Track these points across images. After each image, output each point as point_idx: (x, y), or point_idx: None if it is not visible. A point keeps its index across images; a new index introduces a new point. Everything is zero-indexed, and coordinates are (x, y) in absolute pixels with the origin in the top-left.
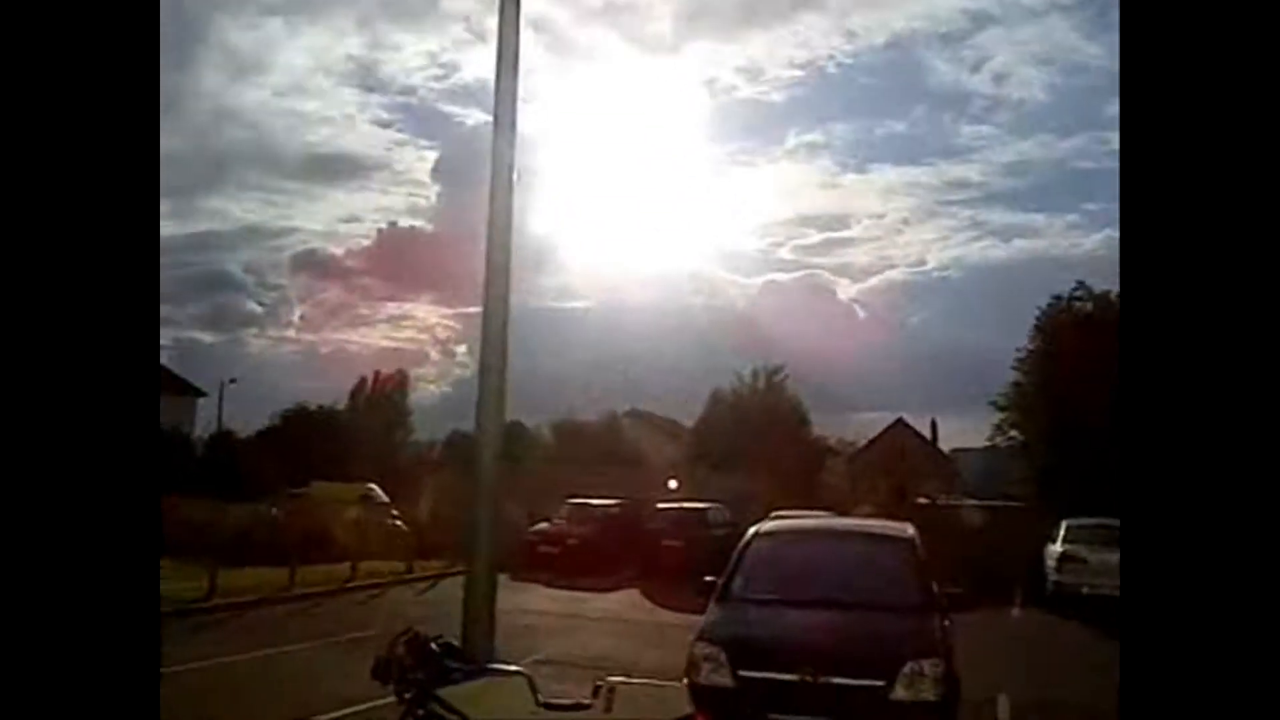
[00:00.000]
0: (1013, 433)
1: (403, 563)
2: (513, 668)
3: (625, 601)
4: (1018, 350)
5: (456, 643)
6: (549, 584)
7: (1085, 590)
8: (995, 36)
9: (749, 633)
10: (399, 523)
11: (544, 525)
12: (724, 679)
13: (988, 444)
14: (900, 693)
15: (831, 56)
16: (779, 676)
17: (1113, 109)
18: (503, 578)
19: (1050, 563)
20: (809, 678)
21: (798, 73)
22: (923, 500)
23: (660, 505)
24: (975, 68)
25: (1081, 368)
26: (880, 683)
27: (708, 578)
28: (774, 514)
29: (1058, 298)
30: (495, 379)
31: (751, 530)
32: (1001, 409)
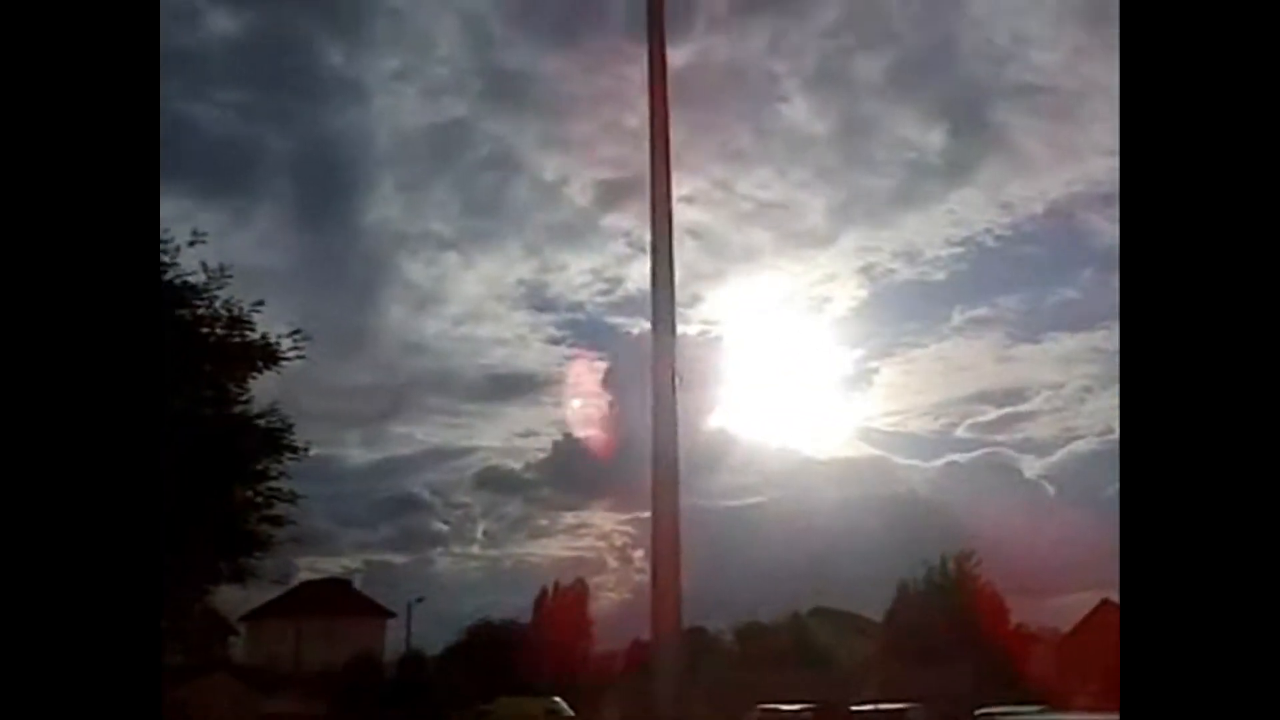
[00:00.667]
0: None
1: None
2: None
3: None
4: None
5: None
6: None
7: None
8: None
9: None
10: None
11: None
12: None
13: None
14: None
15: (989, 230)
16: None
17: None
18: None
19: None
20: None
21: (957, 249)
22: None
23: (854, 708)
24: None
25: None
26: None
27: None
28: (981, 711)
29: None
30: (668, 586)
31: None
32: None
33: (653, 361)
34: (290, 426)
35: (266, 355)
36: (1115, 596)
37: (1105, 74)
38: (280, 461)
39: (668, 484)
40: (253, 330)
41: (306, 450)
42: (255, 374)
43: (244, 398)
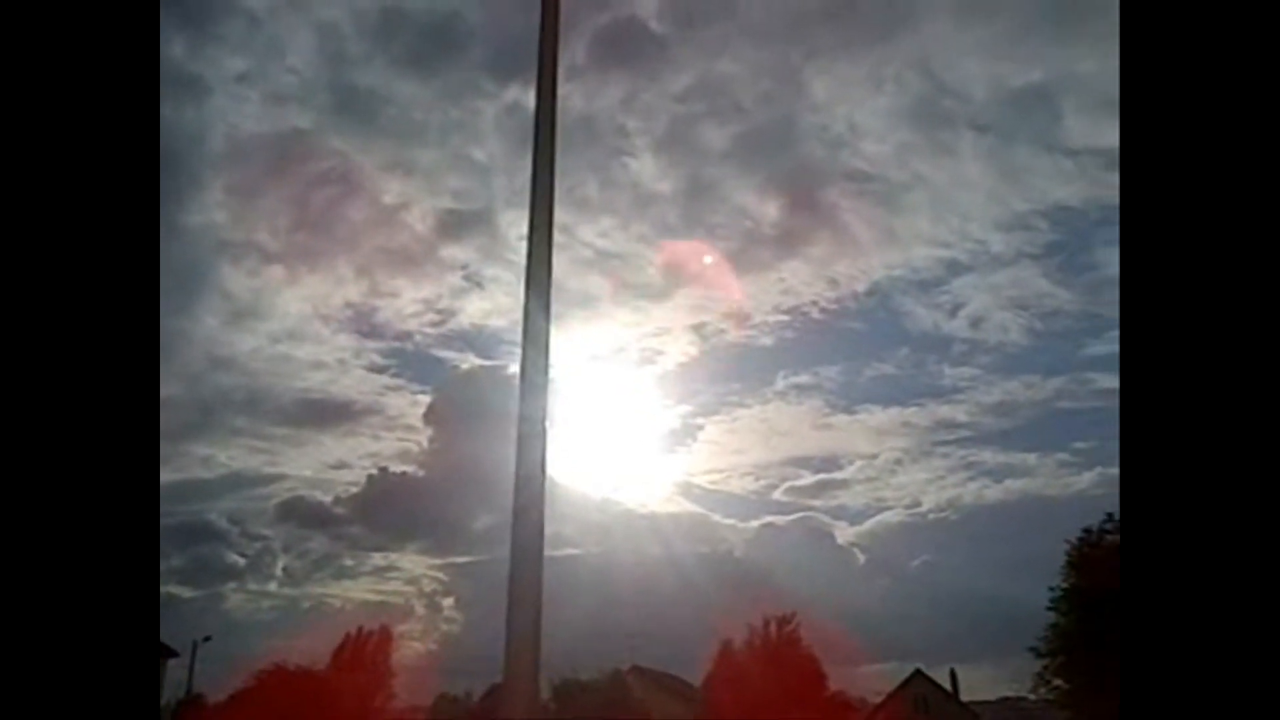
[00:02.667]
0: (1056, 681)
1: None
2: None
3: None
4: (1050, 589)
5: None
6: None
7: None
8: (969, 283)
9: None
10: None
11: None
12: None
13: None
14: None
15: (815, 302)
16: None
17: (1090, 351)
18: None
19: None
20: None
21: (784, 317)
22: None
23: None
24: (952, 313)
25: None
26: None
27: None
28: None
29: (1088, 531)
30: (526, 637)
31: None
32: (1041, 655)
33: (520, 405)
34: None
35: None
36: (922, 665)
37: (929, 169)
38: None
39: (531, 532)
40: None
41: None
42: None
43: None
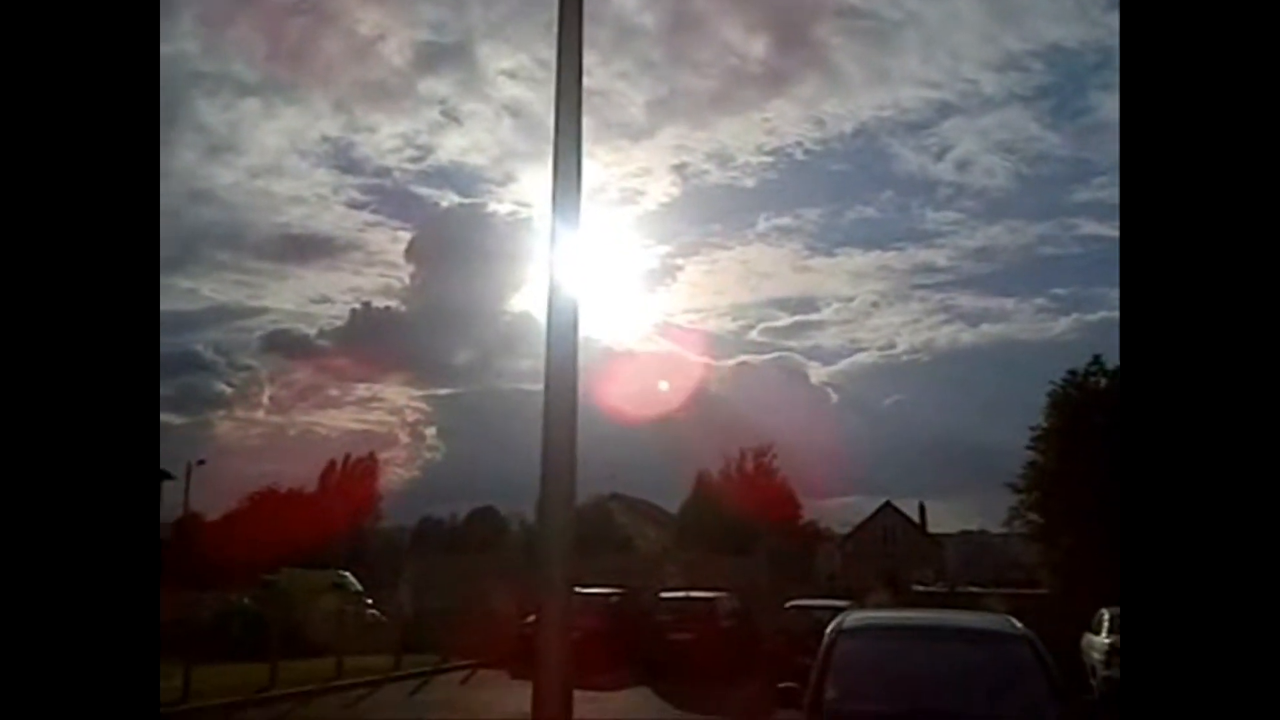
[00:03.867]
0: (1032, 515)
1: (387, 657)
2: None
3: (636, 701)
4: (1031, 428)
5: None
6: None
7: None
8: (958, 125)
9: None
10: (375, 612)
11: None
12: None
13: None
14: None
15: (800, 143)
16: None
17: (1077, 197)
18: (500, 675)
19: (1096, 655)
20: None
21: (768, 158)
22: (921, 587)
23: (664, 595)
24: (939, 155)
25: (1105, 445)
26: None
27: (784, 684)
28: (791, 603)
29: (1073, 373)
30: (563, 456)
31: (832, 627)
32: (1019, 491)
33: (550, 243)
34: None
35: None
36: (892, 499)
37: (922, 7)
38: None
39: (566, 361)
40: None
41: None
42: None
43: None
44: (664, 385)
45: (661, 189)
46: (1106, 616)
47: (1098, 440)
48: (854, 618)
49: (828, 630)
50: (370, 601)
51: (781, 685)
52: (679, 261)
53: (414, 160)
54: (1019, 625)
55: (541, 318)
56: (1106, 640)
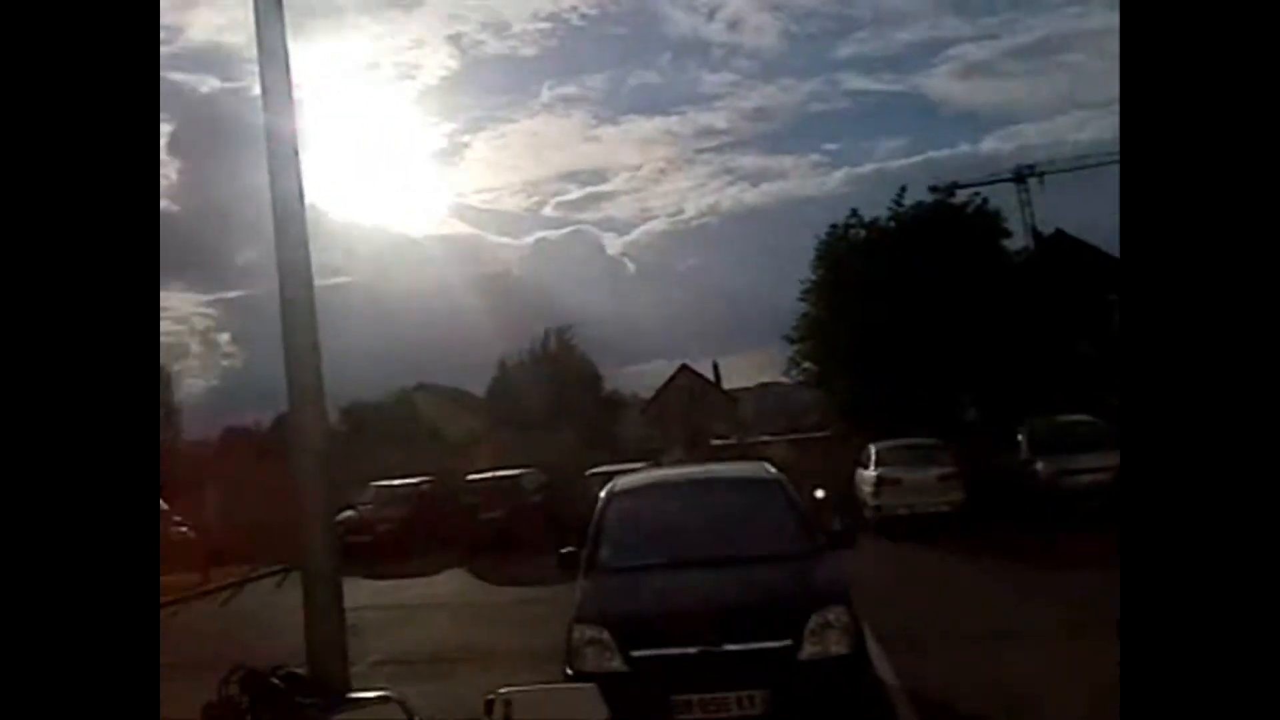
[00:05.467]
0: (806, 364)
1: (196, 574)
2: (378, 693)
3: (453, 584)
4: (801, 282)
5: (301, 670)
6: (367, 576)
7: (904, 511)
8: None
9: (634, 607)
10: (184, 529)
11: (350, 513)
12: (615, 663)
13: (763, 382)
14: (810, 649)
15: (575, 8)
16: (676, 651)
17: (843, 50)
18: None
19: (866, 488)
20: (710, 648)
21: (545, 25)
22: (719, 441)
23: (471, 477)
24: (710, 16)
25: (867, 292)
26: (787, 642)
27: (564, 549)
28: (591, 471)
29: (834, 226)
30: (306, 362)
31: (604, 491)
32: (794, 342)
33: (265, 130)
34: None
35: None
36: (688, 360)
37: None
38: None
39: (298, 265)
40: None
41: None
42: None
43: None
44: (462, 270)
45: (439, 62)
46: (874, 451)
47: (859, 289)
48: (623, 481)
49: (600, 494)
50: (178, 519)
51: (562, 550)
52: (465, 139)
53: (165, 42)
54: (771, 470)
55: (326, 208)
56: (874, 473)
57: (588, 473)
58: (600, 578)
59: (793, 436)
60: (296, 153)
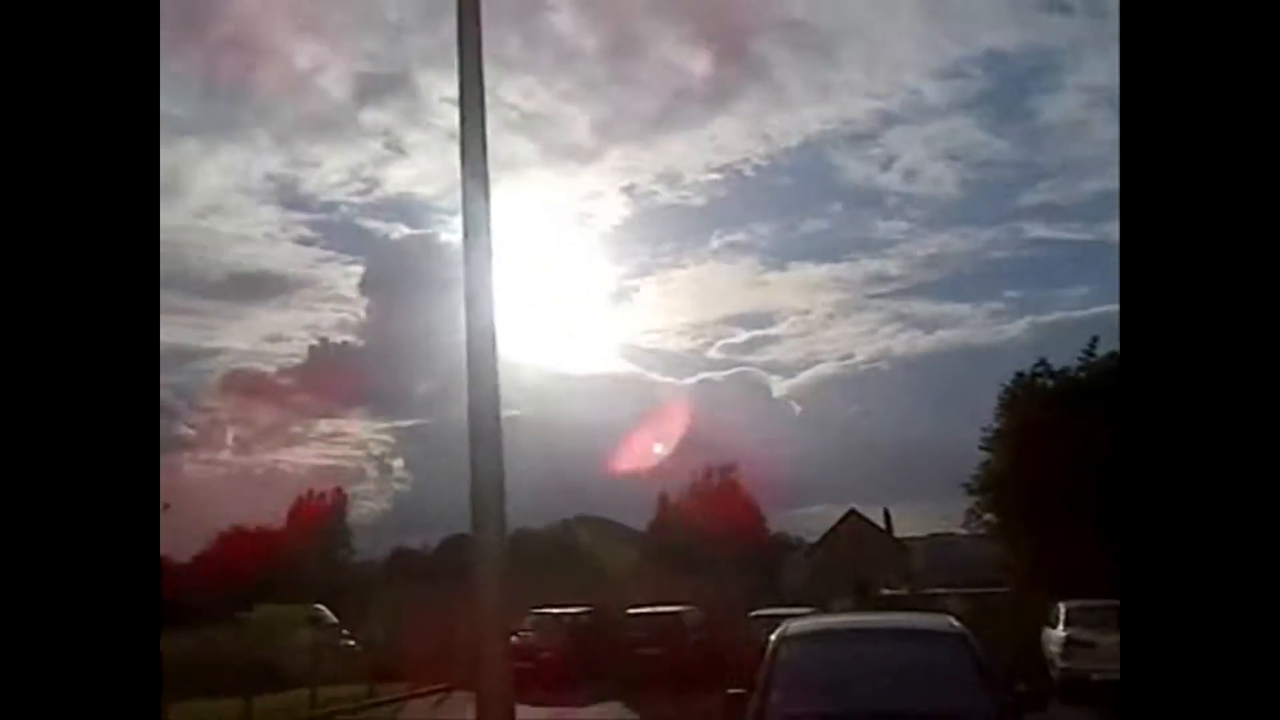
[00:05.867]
0: (988, 516)
1: (362, 686)
2: None
3: (610, 716)
4: (983, 430)
5: None
6: (524, 701)
7: (1095, 676)
8: (902, 135)
9: None
10: (351, 643)
11: (512, 639)
12: None
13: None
14: None
15: (747, 159)
16: None
17: (1023, 201)
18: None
19: (1053, 648)
20: None
21: (716, 176)
22: (889, 591)
23: (631, 611)
24: (886, 165)
25: (1053, 444)
26: None
27: (732, 690)
28: (756, 613)
29: (1021, 374)
30: (491, 491)
31: (776, 634)
32: (974, 492)
33: (465, 269)
34: None
35: None
36: (857, 505)
37: (863, 18)
38: None
39: (487, 399)
40: None
41: None
42: None
43: None
44: (626, 407)
45: (613, 210)
46: (1062, 611)
47: (1045, 439)
48: (797, 624)
49: (772, 638)
50: (346, 633)
51: (730, 692)
52: (635, 282)
53: (361, 193)
54: (955, 624)
55: (500, 345)
56: (1062, 633)
57: (752, 614)
58: None
59: (968, 590)
60: (491, 293)
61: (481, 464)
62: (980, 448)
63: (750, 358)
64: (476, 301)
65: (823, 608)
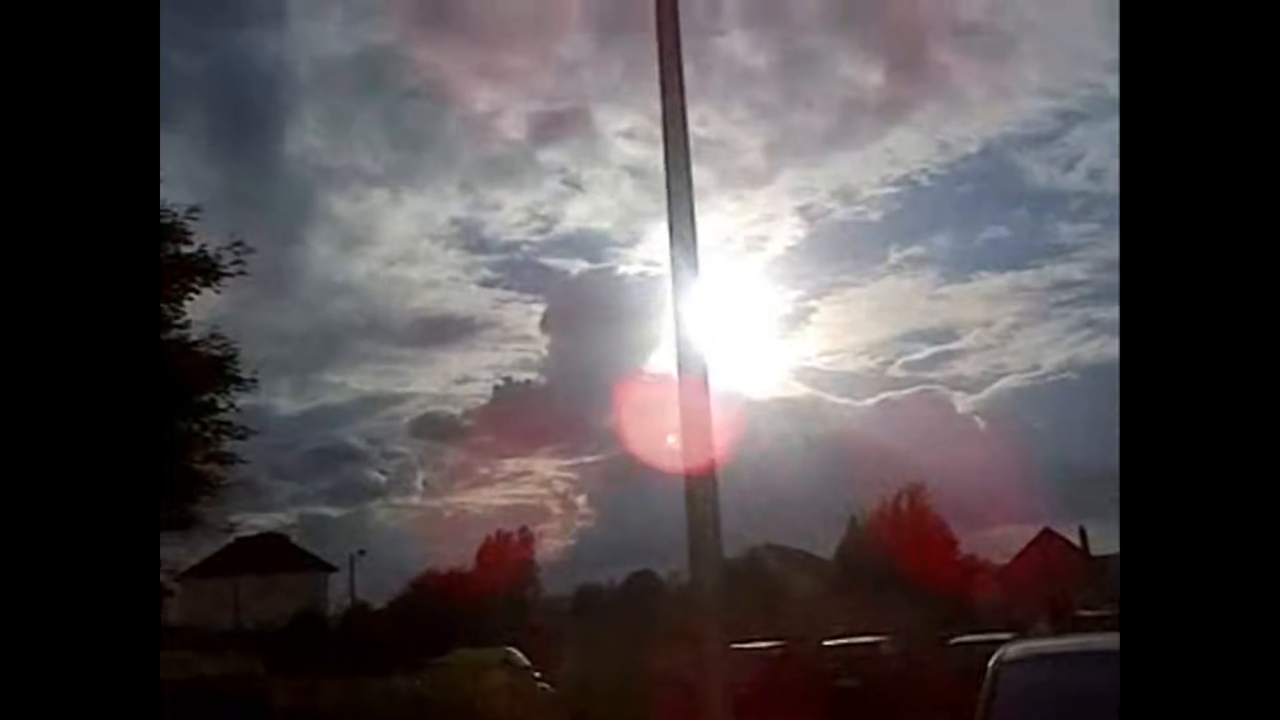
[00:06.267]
0: None
1: None
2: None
3: None
4: None
5: None
6: None
7: None
8: (1085, 133)
9: None
10: (545, 686)
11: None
12: None
13: None
14: None
15: (924, 170)
16: None
17: None
18: None
19: None
20: None
21: (892, 189)
22: (1088, 612)
23: (827, 643)
24: (1069, 166)
25: None
26: None
27: None
28: (955, 639)
29: None
30: (706, 526)
31: (995, 659)
32: None
33: (673, 301)
34: (235, 354)
35: (206, 269)
36: (1051, 524)
37: (1038, 15)
38: (227, 393)
39: (701, 436)
40: (189, 244)
41: (254, 381)
42: (194, 292)
43: (180, 320)
44: (805, 431)
45: (787, 232)
46: None
47: None
48: (1016, 648)
49: (990, 663)
50: (539, 675)
51: None
52: (811, 304)
53: (541, 231)
54: None
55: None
56: None
57: (952, 641)
58: None
59: None
60: (704, 331)
61: (697, 503)
62: None
63: (933, 374)
64: (686, 338)
65: (1022, 632)
